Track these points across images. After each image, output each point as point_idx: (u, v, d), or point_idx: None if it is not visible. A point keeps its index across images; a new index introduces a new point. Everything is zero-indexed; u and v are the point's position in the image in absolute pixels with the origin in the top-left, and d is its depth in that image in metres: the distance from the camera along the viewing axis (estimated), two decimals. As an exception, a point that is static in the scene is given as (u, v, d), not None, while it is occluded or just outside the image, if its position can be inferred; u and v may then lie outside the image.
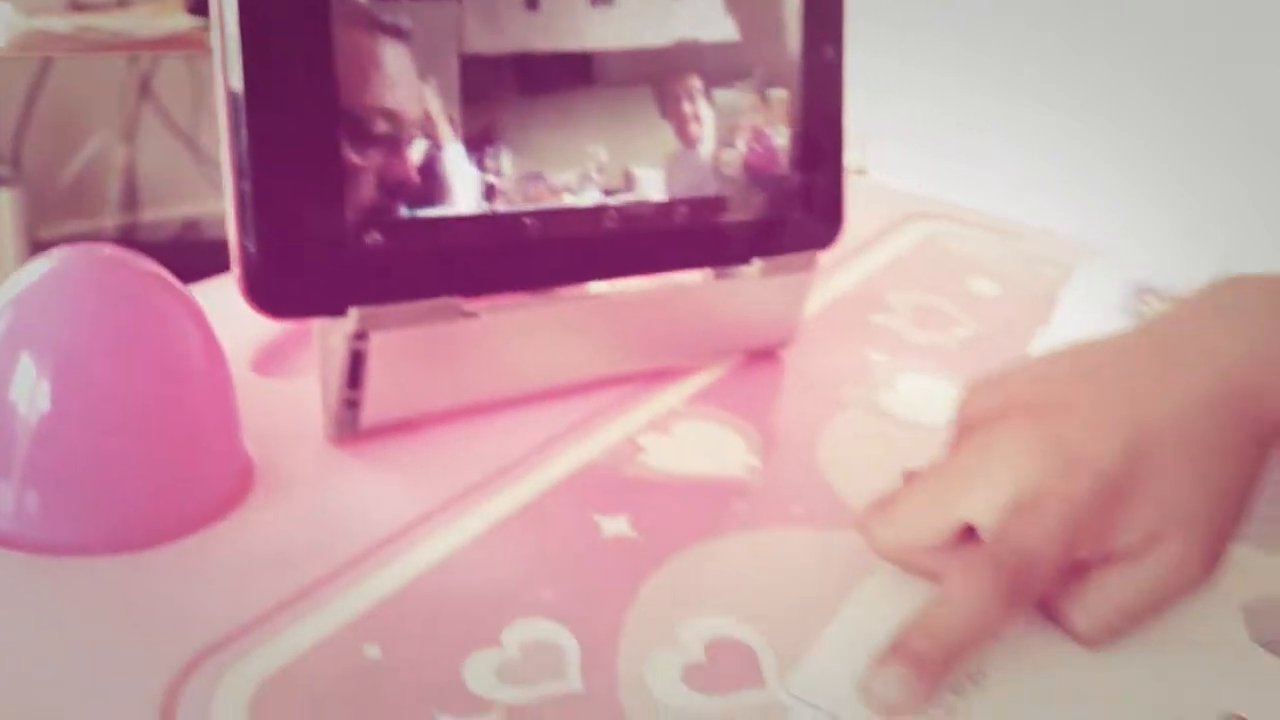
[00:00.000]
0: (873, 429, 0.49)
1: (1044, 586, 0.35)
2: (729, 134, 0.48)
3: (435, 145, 0.40)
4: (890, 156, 0.76)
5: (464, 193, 0.41)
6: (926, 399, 0.51)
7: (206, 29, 1.58)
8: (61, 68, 1.77)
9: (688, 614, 0.36)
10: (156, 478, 0.36)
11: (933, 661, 0.32)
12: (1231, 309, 0.39)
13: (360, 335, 0.39)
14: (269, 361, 0.48)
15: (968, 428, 0.39)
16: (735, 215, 0.48)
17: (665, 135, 0.46)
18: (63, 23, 1.57)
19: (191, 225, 1.88)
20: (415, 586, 0.36)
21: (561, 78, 0.44)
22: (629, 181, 0.45)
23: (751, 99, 0.48)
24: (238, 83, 0.36)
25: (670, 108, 0.46)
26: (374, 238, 0.39)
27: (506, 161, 0.42)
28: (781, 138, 0.49)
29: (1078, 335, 0.59)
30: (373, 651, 0.33)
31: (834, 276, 0.62)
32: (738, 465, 0.44)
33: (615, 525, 0.40)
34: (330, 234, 0.38)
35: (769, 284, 0.50)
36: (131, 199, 1.90)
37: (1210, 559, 0.36)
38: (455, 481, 0.41)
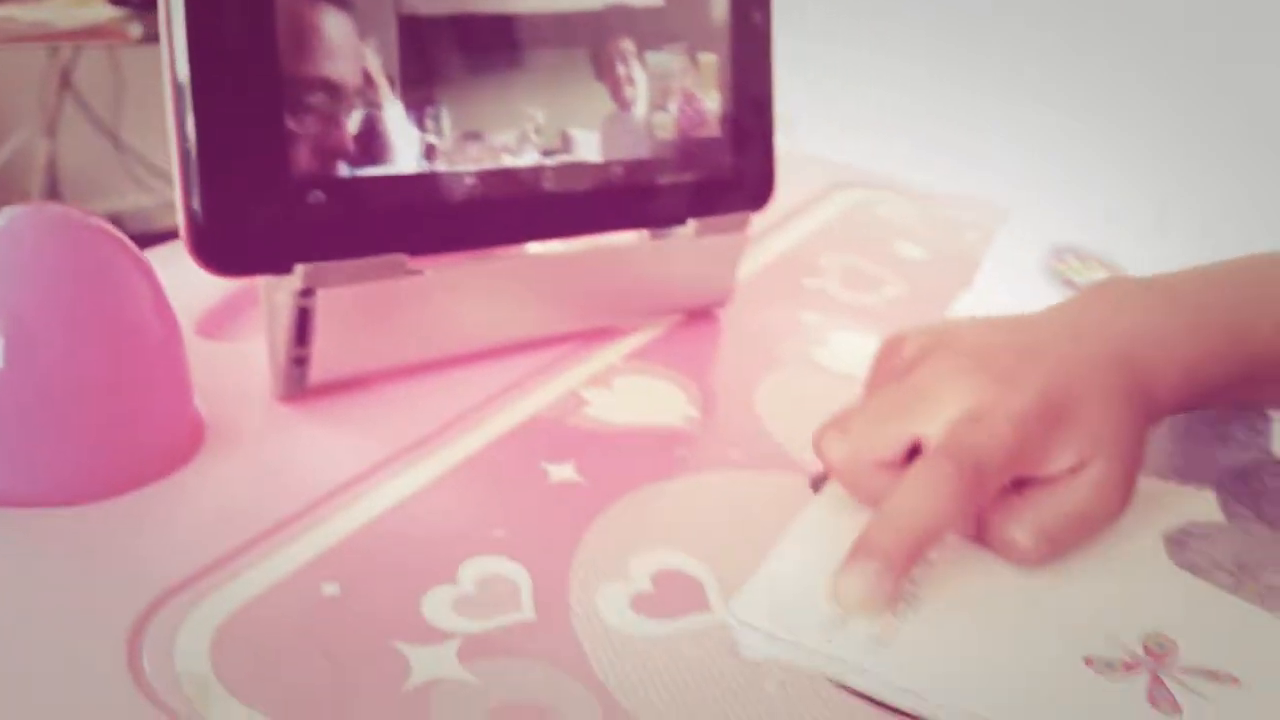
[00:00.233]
0: (807, 381, 0.51)
1: (994, 488, 0.37)
2: (661, 97, 0.49)
3: (375, 106, 0.41)
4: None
5: (405, 152, 0.42)
6: (857, 353, 0.53)
7: (128, 19, 1.57)
8: (-21, 60, 1.74)
9: (635, 549, 0.37)
10: (109, 433, 0.37)
11: (897, 554, 0.35)
12: (1114, 298, 0.44)
13: (306, 292, 0.40)
14: (212, 326, 0.48)
15: (910, 361, 0.41)
16: (669, 177, 0.50)
17: (601, 98, 0.47)
18: (-21, 14, 1.55)
19: (114, 220, 1.85)
20: (370, 530, 0.36)
21: (499, 39, 0.45)
22: (566, 143, 0.46)
23: (682, 62, 0.50)
24: (182, 44, 0.37)
25: (605, 71, 0.48)
26: (317, 196, 0.40)
27: (446, 122, 0.43)
28: (712, 101, 0.51)
29: (999, 293, 0.62)
30: (331, 589, 0.34)
31: (768, 241, 0.64)
32: (678, 416, 0.46)
33: (562, 471, 0.41)
34: (274, 193, 0.39)
35: (704, 245, 0.51)
36: (54, 194, 1.87)
37: (1127, 486, 0.40)
38: (404, 434, 0.42)
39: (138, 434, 0.38)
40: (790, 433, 0.45)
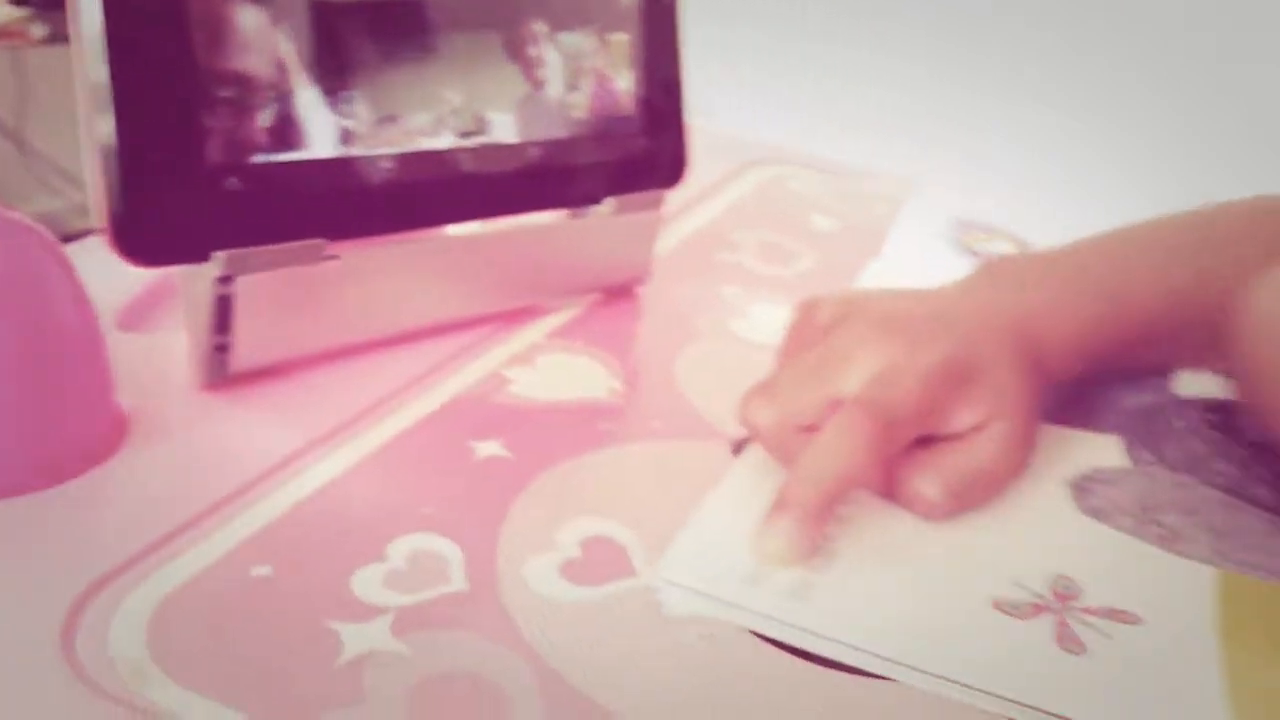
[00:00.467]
0: (726, 352, 0.52)
1: (903, 440, 0.39)
2: (574, 77, 0.50)
3: (290, 93, 0.41)
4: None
5: (320, 137, 0.42)
6: (774, 324, 0.54)
7: (31, 20, 1.52)
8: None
9: (562, 519, 0.38)
10: (29, 428, 0.37)
11: (813, 507, 0.36)
12: (1004, 276, 0.47)
13: (225, 279, 0.40)
14: (133, 318, 0.48)
15: (825, 328, 0.43)
16: (585, 156, 0.50)
17: (514, 79, 0.48)
18: None
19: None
20: (299, 512, 0.37)
21: (412, 24, 0.45)
22: (482, 124, 0.47)
23: (593, 42, 0.50)
24: (96, 39, 0.36)
25: (517, 52, 0.48)
26: (233, 184, 0.40)
27: (361, 106, 0.43)
28: (624, 81, 0.52)
29: (906, 262, 0.63)
30: (262, 571, 0.34)
31: (684, 217, 0.65)
32: (600, 390, 0.47)
33: (488, 448, 0.42)
34: (190, 182, 0.39)
35: (621, 222, 0.52)
36: (-44, 196, 1.81)
37: (1027, 446, 0.42)
38: (329, 418, 0.42)
39: (59, 428, 0.38)
40: (711, 402, 0.47)
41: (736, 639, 0.34)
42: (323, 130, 0.42)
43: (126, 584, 0.33)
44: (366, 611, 0.33)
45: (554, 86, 0.49)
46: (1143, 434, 0.46)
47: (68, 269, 0.38)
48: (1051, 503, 0.43)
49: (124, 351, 0.43)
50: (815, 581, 0.36)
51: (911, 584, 0.37)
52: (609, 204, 0.51)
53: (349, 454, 0.40)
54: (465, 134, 0.46)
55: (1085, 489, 0.44)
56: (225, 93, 0.39)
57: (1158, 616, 0.37)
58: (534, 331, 0.51)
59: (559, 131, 0.49)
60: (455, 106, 0.46)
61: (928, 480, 0.40)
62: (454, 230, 0.48)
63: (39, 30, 1.51)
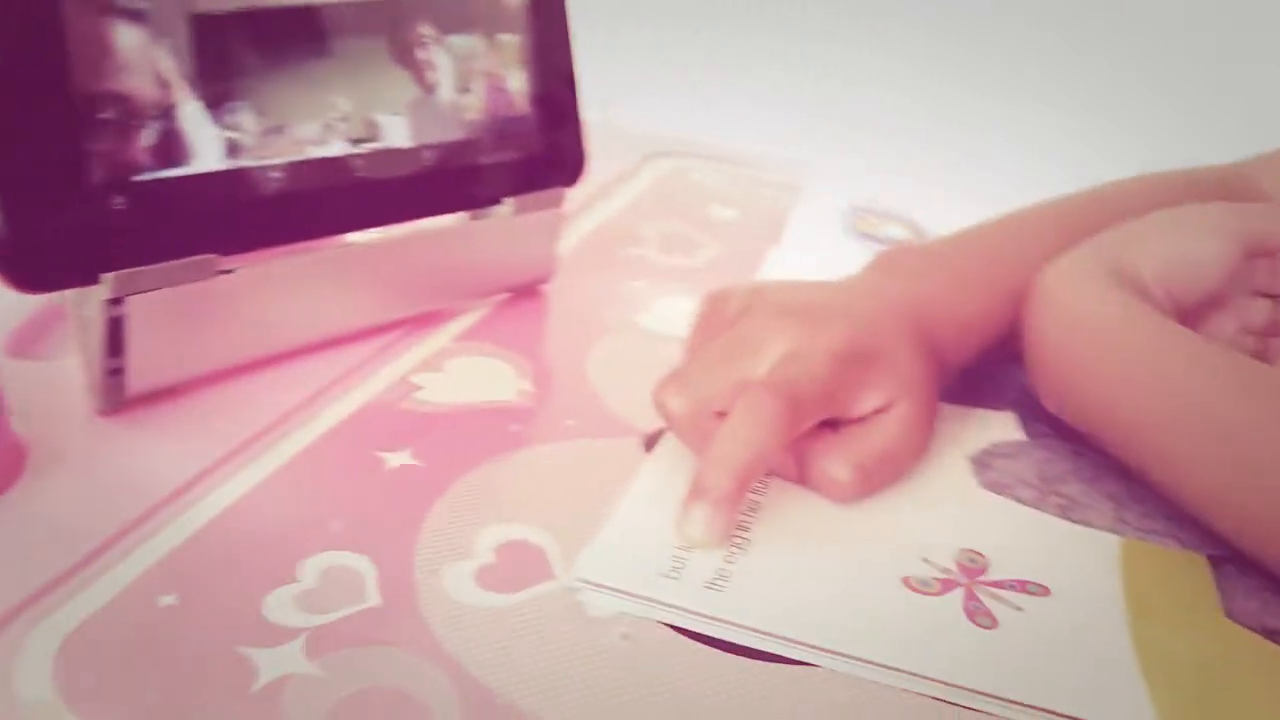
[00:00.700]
0: (635, 346, 0.52)
1: (810, 418, 0.40)
2: (465, 79, 0.49)
3: (173, 107, 0.40)
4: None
5: (206, 151, 0.41)
6: (681, 316, 0.55)
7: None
8: None
9: (477, 526, 0.38)
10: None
11: (728, 489, 0.37)
12: (896, 269, 0.48)
13: (116, 301, 0.39)
14: (23, 345, 0.46)
15: (733, 316, 0.43)
16: (482, 158, 0.50)
17: (404, 83, 0.47)
18: None
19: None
20: (204, 536, 0.36)
21: (296, 31, 0.44)
22: (373, 130, 0.46)
23: (483, 44, 0.50)
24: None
25: (406, 56, 0.48)
26: (119, 203, 0.39)
27: (247, 117, 0.42)
28: (516, 80, 0.51)
29: (806, 248, 0.64)
30: (169, 600, 0.33)
31: (586, 214, 0.65)
32: (511, 391, 0.47)
33: (398, 458, 0.41)
34: (75, 204, 0.38)
35: (522, 222, 0.52)
36: None
37: (930, 425, 0.43)
38: (232, 436, 0.41)
39: (-52, 463, 0.36)
40: (623, 398, 0.47)
41: (658, 636, 0.34)
42: (208, 144, 0.41)
43: (28, 621, 0.32)
44: (279, 635, 0.32)
45: (445, 89, 0.48)
46: (1036, 408, 0.47)
47: (-53, 300, 0.37)
48: (954, 479, 0.43)
49: (16, 379, 0.42)
50: (731, 571, 0.37)
51: (824, 567, 0.38)
52: (509, 204, 0.51)
53: (254, 472, 0.39)
54: (356, 140, 0.45)
55: (985, 464, 0.45)
56: (106, 113, 0.38)
57: (1065, 587, 0.38)
58: (440, 336, 0.50)
59: (453, 134, 0.49)
60: (344, 113, 0.45)
61: (836, 462, 0.40)
62: (352, 238, 0.48)
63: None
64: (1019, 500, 0.43)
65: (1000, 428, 0.48)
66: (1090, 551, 0.40)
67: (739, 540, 0.38)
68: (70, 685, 0.30)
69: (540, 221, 0.53)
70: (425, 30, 0.48)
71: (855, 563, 0.38)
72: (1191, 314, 0.46)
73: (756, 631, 0.34)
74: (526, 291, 0.55)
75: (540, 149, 0.52)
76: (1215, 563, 0.40)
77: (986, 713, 0.33)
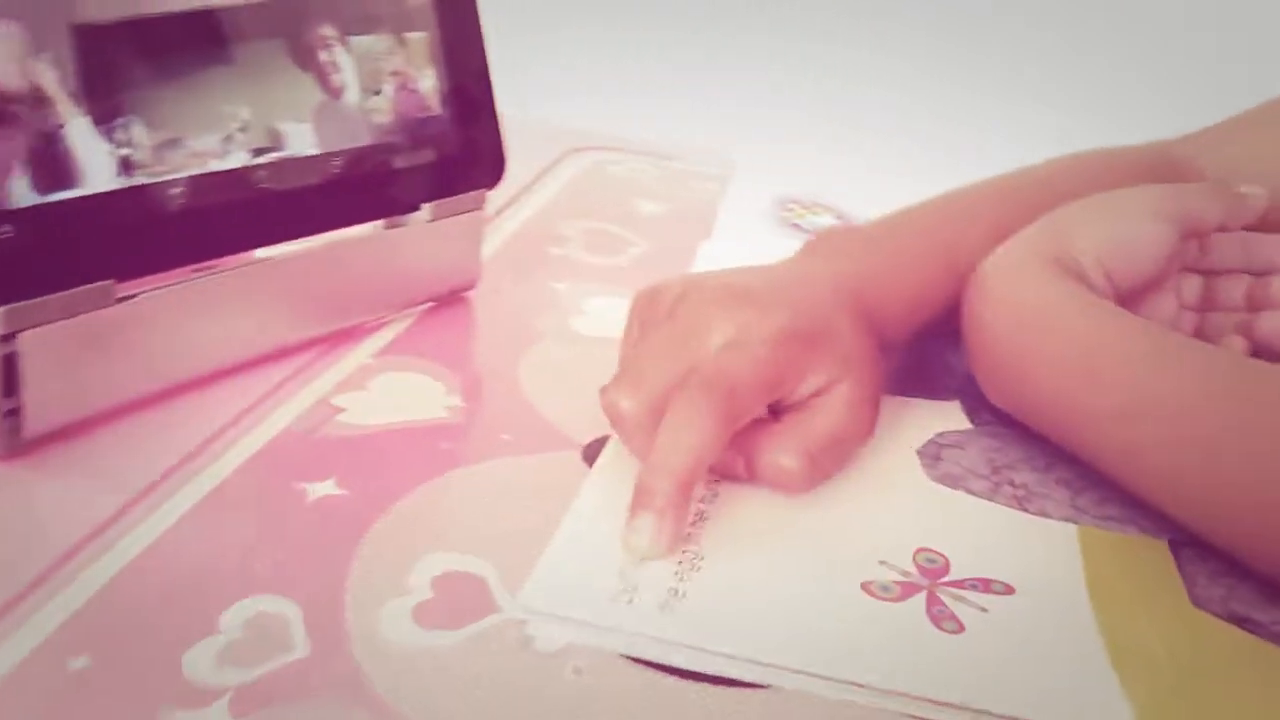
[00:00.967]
0: (568, 351, 0.50)
1: (752, 408, 0.38)
2: (373, 80, 0.47)
3: (57, 125, 0.37)
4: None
5: (97, 170, 0.38)
6: (614, 316, 0.53)
7: None
8: None
9: (412, 558, 0.35)
10: None
11: (673, 494, 0.36)
12: (831, 249, 0.47)
13: (8, 336, 0.36)
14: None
15: (669, 307, 0.42)
16: (395, 163, 0.48)
17: (307, 87, 0.45)
18: None
19: None
20: (115, 589, 0.33)
21: (187, 38, 0.41)
22: (277, 139, 0.44)
23: (389, 42, 0.47)
24: None
25: (308, 59, 0.45)
26: (4, 231, 0.36)
27: (139, 131, 0.39)
28: (427, 80, 0.49)
29: (736, 240, 0.63)
30: (80, 663, 0.30)
31: (508, 215, 0.62)
32: (440, 407, 0.44)
33: (321, 488, 0.38)
34: (-49, 234, 0.35)
35: (441, 228, 0.50)
36: None
37: (874, 406, 0.42)
38: (141, 475, 0.38)
39: None
40: (559, 408, 0.45)
41: (613, 668, 0.32)
42: (99, 162, 0.38)
43: (-81, 700, 0.29)
44: (201, 695, 0.30)
45: (352, 92, 0.46)
46: (980, 395, 0.46)
47: None
48: (903, 474, 0.42)
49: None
50: (685, 589, 0.35)
51: (780, 578, 0.36)
52: (427, 210, 0.49)
53: (166, 514, 0.37)
54: (259, 151, 0.43)
55: (934, 456, 0.44)
56: (-21, 132, 0.35)
57: (1029, 584, 0.37)
58: (360, 353, 0.48)
59: (363, 139, 0.46)
60: (244, 122, 0.42)
61: (782, 452, 0.39)
62: (260, 255, 0.45)
63: None
64: (972, 493, 0.42)
65: (945, 417, 0.47)
66: (1049, 543, 0.39)
67: (691, 555, 0.36)
68: (-30, 768, 0.27)
69: (461, 226, 0.51)
70: (327, 31, 0.45)
71: (811, 571, 0.36)
72: (1131, 296, 0.45)
73: (718, 654, 0.33)
74: (450, 300, 0.53)
75: (457, 150, 0.50)
76: (1174, 547, 0.39)
77: (959, 724, 0.31)
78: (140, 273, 0.40)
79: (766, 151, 0.76)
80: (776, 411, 0.41)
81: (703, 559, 0.36)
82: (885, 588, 0.36)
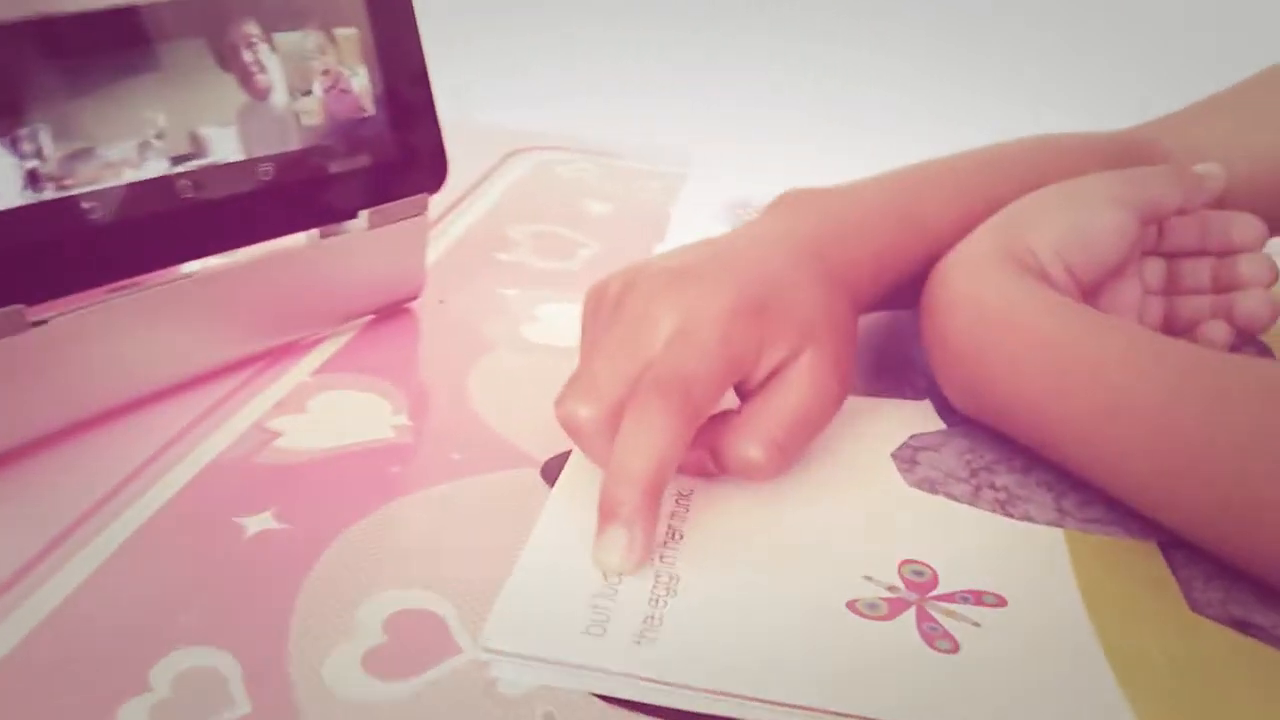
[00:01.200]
0: (521, 362, 0.47)
1: (710, 401, 0.36)
2: (301, 80, 0.44)
3: (-49, 135, 0.34)
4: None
5: (1, 185, 0.35)
6: (567, 322, 0.50)
7: None
8: None
9: (360, 596, 0.33)
10: None
11: (639, 505, 0.34)
12: (795, 208, 0.45)
13: (-100, 371, 0.33)
14: None
15: (617, 300, 0.39)
16: (328, 167, 0.45)
17: (230, 89, 0.41)
18: None
19: None
20: (33, 643, 0.30)
21: (97, 39, 0.38)
22: (198, 145, 0.40)
23: (318, 39, 0.44)
24: None
25: (230, 59, 0.42)
26: (-107, 254, 0.33)
27: (46, 141, 0.36)
28: (360, 78, 0.46)
29: (691, 241, 0.60)
30: (-11, 733, 0.27)
31: (451, 219, 0.60)
32: (386, 427, 0.41)
33: (259, 522, 0.35)
34: None
35: (381, 235, 0.47)
36: None
37: (841, 370, 0.40)
38: (60, 515, 0.35)
39: None
40: (514, 422, 0.42)
41: (587, 710, 0.30)
42: (3, 176, 0.35)
43: None
44: (131, 762, 0.27)
45: (279, 93, 0.43)
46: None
47: None
48: (881, 481, 0.40)
49: None
50: (661, 617, 0.32)
51: (762, 600, 0.34)
52: (364, 216, 0.46)
53: (89, 558, 0.33)
54: (179, 158, 0.40)
55: (910, 460, 0.42)
56: None
57: (1021, 595, 0.34)
58: (298, 371, 0.45)
59: (292, 143, 0.43)
60: (161, 128, 0.39)
61: (746, 443, 0.37)
62: (186, 270, 0.42)
63: None
64: (953, 497, 0.39)
65: (917, 417, 0.45)
66: (1037, 550, 0.37)
67: (666, 578, 0.34)
68: None
69: (402, 233, 0.48)
70: (250, 28, 0.42)
71: (792, 592, 0.34)
72: (1094, 287, 0.45)
73: (702, 691, 0.30)
74: (393, 312, 0.50)
75: (394, 152, 0.47)
76: (1164, 549, 0.37)
77: (961, 752, 0.29)
78: (53, 295, 0.37)
79: (765, 151, 0.74)
80: (741, 394, 0.39)
81: (679, 581, 0.34)
82: (873, 605, 0.34)
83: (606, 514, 0.34)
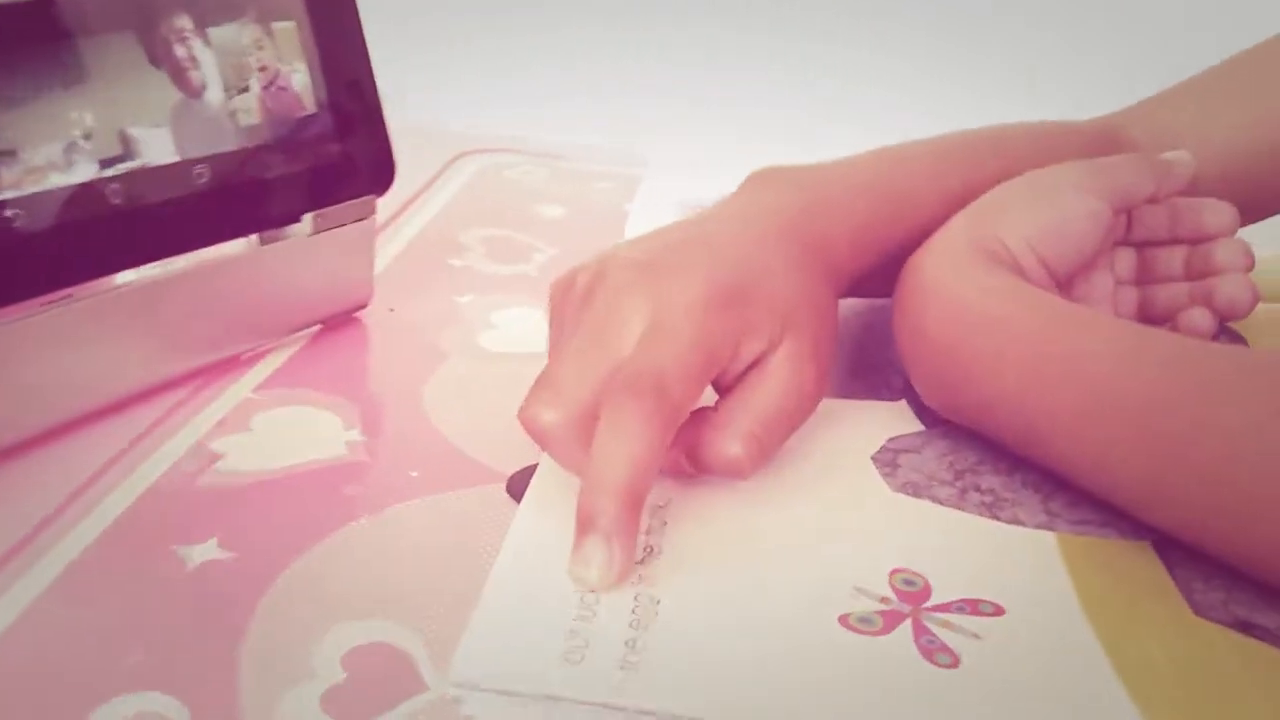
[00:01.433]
0: (479, 372, 0.45)
1: (687, 400, 0.34)
2: (238, 77, 0.41)
3: None
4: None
5: (-93, 190, 0.32)
6: (526, 328, 0.48)
7: None
8: None
9: (317, 631, 0.30)
10: None
11: (617, 517, 0.32)
12: (773, 184, 0.44)
13: None
14: None
15: (585, 292, 0.38)
16: (269, 169, 0.42)
17: (162, 87, 0.39)
18: None
19: None
20: (-49, 697, 0.27)
21: (17, 34, 0.35)
22: (129, 147, 0.38)
23: (254, 33, 0.42)
24: None
25: (161, 55, 0.39)
26: None
27: (-41, 144, 0.33)
28: (300, 75, 0.43)
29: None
30: (-97, 800, 0.25)
31: (399, 225, 0.57)
32: (337, 445, 0.39)
33: (203, 551, 0.33)
34: None
35: (325, 241, 0.45)
36: None
37: (819, 358, 0.38)
38: (-16, 551, 0.32)
39: None
40: (474, 435, 0.40)
41: (564, 742, 0.27)
42: (-92, 180, 0.32)
43: None
44: (66, 826, 0.24)
45: (214, 90, 0.40)
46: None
47: None
48: (864, 486, 0.38)
49: None
50: (644, 641, 0.30)
51: (749, 618, 0.32)
52: (307, 221, 0.43)
53: (15, 599, 0.30)
54: (108, 161, 0.37)
55: (891, 463, 0.40)
56: None
57: (1017, 603, 0.33)
58: (241, 386, 0.42)
59: (229, 143, 0.41)
60: (88, 129, 0.36)
61: (723, 439, 0.35)
62: (120, 280, 0.39)
63: None
64: (938, 501, 0.38)
65: (894, 419, 0.43)
66: (1030, 554, 0.35)
67: (646, 599, 0.32)
68: None
69: (347, 238, 0.46)
70: (181, 22, 0.40)
71: (784, 608, 0.32)
72: (1066, 280, 0.44)
73: (681, 716, 0.28)
74: (341, 321, 0.47)
75: (339, 153, 0.45)
76: (1159, 549, 0.36)
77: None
78: (-28, 308, 0.34)
79: (676, 146, 0.72)
80: (718, 387, 0.37)
81: (659, 602, 0.32)
82: (866, 620, 0.32)
83: (584, 526, 0.32)
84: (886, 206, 0.44)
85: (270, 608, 0.31)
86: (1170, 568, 0.35)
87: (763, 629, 0.31)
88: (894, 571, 0.34)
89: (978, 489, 0.39)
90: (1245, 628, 0.33)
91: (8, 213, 0.35)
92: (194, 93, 0.40)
